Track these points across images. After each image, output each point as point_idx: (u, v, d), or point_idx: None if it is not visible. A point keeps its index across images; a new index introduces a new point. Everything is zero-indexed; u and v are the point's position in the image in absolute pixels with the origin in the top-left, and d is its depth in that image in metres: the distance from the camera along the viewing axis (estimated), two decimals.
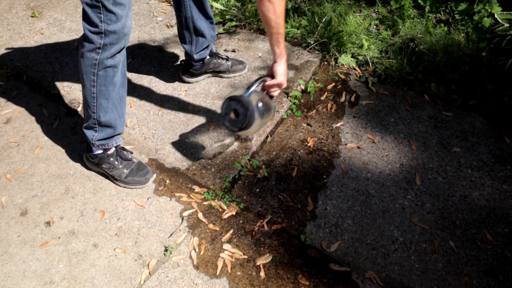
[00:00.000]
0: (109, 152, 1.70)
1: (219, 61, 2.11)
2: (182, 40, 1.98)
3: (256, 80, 1.52)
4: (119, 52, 1.50)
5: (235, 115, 1.50)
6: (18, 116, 2.05)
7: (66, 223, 1.64)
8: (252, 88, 1.49)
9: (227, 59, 2.13)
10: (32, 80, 2.23)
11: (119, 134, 1.70)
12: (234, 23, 2.50)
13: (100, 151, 1.70)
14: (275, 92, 1.57)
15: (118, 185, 1.74)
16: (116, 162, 1.71)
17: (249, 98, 1.47)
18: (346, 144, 1.87)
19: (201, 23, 1.89)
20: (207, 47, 2.02)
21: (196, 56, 2.01)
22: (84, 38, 1.45)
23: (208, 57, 2.08)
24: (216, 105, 2.05)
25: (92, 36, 1.42)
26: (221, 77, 2.17)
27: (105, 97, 1.55)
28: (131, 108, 2.04)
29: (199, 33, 1.92)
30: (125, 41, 1.49)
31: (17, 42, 2.47)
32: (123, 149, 1.76)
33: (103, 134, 1.64)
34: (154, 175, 1.75)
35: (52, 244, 1.57)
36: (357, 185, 1.72)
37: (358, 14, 2.44)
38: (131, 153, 1.79)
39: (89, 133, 1.64)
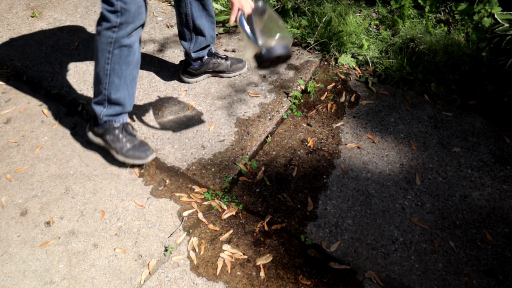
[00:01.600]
0: (115, 125, 1.74)
1: (218, 60, 2.11)
2: (182, 37, 1.97)
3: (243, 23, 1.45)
4: (134, 31, 1.55)
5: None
6: (18, 116, 2.05)
7: (66, 223, 1.64)
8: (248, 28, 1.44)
9: (226, 58, 2.13)
10: (32, 80, 2.24)
11: (128, 112, 1.77)
12: (234, 23, 2.50)
13: (106, 124, 1.75)
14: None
15: (117, 158, 1.76)
16: (120, 136, 1.74)
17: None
18: (346, 144, 1.87)
19: (202, 22, 1.89)
20: (205, 47, 2.02)
21: (193, 55, 2.00)
22: (102, 17, 1.51)
23: (206, 57, 2.08)
24: (216, 105, 2.05)
25: (109, 15, 1.48)
26: (221, 77, 2.17)
27: (118, 75, 1.61)
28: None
29: (198, 32, 1.92)
30: (140, 20, 1.54)
31: (17, 42, 2.47)
32: (129, 124, 1.81)
33: (112, 110, 1.70)
34: (154, 154, 1.78)
35: (52, 244, 1.57)
36: (357, 185, 1.72)
37: (358, 14, 2.44)
38: (136, 130, 1.84)
39: (98, 108, 1.70)
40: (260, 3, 1.51)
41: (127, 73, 1.63)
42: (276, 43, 1.45)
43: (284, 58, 1.49)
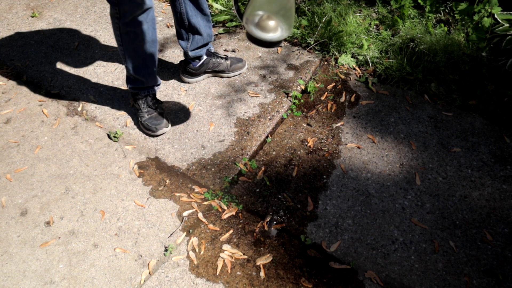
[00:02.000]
0: (139, 96, 1.92)
1: (218, 60, 2.11)
2: (179, 37, 1.99)
3: None
4: (136, 17, 1.62)
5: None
6: (18, 116, 2.05)
7: (66, 223, 1.64)
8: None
9: (226, 58, 2.13)
10: (32, 80, 2.24)
11: (152, 86, 1.91)
12: (234, 23, 2.50)
13: (135, 94, 1.93)
14: None
15: (138, 125, 1.96)
16: (142, 106, 1.93)
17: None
18: (346, 144, 1.87)
19: (197, 20, 1.90)
20: (203, 45, 2.02)
21: (191, 54, 2.01)
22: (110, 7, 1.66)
23: (205, 56, 2.07)
24: (216, 105, 2.05)
25: (111, 5, 1.61)
26: (221, 76, 2.17)
27: (131, 55, 1.76)
28: (131, 108, 2.04)
29: (194, 31, 1.93)
30: (137, 9, 1.60)
31: (17, 42, 2.47)
32: (154, 97, 1.95)
33: (135, 84, 1.88)
34: (166, 129, 1.91)
35: (52, 244, 1.57)
36: (357, 185, 1.72)
37: (358, 14, 2.44)
38: (161, 103, 1.99)
39: (126, 81, 1.91)
40: None
41: (141, 52, 1.75)
42: (268, 30, 1.31)
43: (269, 46, 1.39)
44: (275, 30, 1.34)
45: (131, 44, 1.72)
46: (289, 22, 1.35)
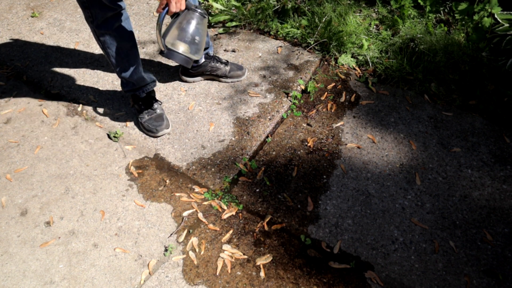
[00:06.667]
0: (138, 97, 1.93)
1: (217, 65, 2.10)
2: None
3: (158, 21, 1.48)
4: (107, 20, 1.61)
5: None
6: (18, 116, 2.05)
7: (66, 223, 1.64)
8: (160, 36, 1.52)
9: (226, 63, 2.12)
10: (32, 80, 2.24)
11: (146, 85, 1.90)
12: (234, 23, 2.50)
13: (133, 96, 1.94)
14: (173, 7, 1.45)
15: (138, 126, 1.96)
16: (142, 107, 1.93)
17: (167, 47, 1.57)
18: (346, 144, 1.87)
19: None
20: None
21: None
22: None
23: (203, 59, 2.06)
24: (216, 105, 2.05)
25: (82, 7, 1.60)
26: (219, 80, 2.16)
27: (114, 57, 1.75)
28: (131, 108, 2.04)
29: None
30: (106, 11, 1.58)
31: (17, 42, 2.47)
32: (154, 98, 1.96)
33: (128, 87, 1.89)
34: (167, 130, 1.91)
35: (52, 244, 1.57)
36: (357, 185, 1.72)
37: (358, 14, 2.44)
38: (160, 103, 1.99)
39: (120, 83, 1.92)
40: (200, 11, 1.57)
41: (123, 54, 1.74)
42: (182, 51, 1.58)
43: (182, 61, 1.63)
44: (186, 52, 1.62)
45: (111, 47, 1.71)
46: (198, 48, 1.64)
